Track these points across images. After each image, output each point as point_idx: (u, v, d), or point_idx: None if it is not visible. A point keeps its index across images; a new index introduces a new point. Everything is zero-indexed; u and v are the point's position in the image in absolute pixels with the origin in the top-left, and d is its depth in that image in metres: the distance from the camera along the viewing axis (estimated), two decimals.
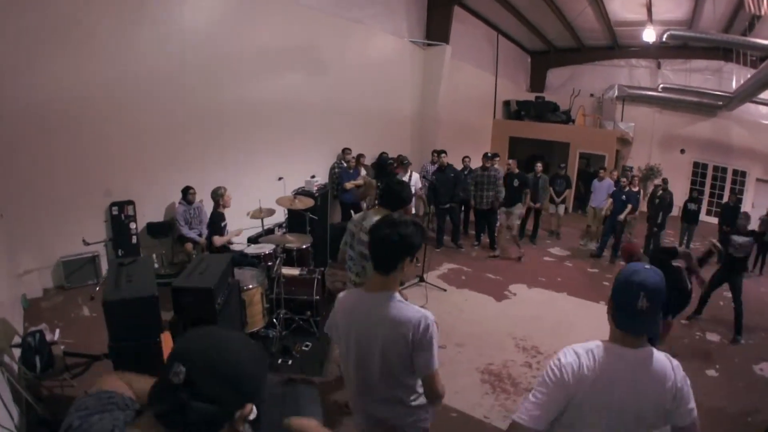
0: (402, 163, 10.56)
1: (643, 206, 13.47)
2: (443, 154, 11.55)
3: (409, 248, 2.70)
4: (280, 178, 8.66)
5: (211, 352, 1.34)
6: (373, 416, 2.89)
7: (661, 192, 12.35)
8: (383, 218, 2.81)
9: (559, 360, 2.28)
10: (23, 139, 7.05)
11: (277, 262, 6.76)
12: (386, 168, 8.87)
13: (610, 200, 11.89)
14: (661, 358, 2.29)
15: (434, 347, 2.60)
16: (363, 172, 11.43)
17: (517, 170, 11.58)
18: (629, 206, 11.44)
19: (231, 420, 1.34)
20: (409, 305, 2.72)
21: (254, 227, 8.26)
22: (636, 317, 2.19)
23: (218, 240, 7.45)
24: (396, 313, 2.65)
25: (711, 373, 6.61)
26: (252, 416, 2.21)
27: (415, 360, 2.61)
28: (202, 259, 5.30)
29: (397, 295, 2.76)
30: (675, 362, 2.31)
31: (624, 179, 12.08)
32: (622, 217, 11.42)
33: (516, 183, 11.25)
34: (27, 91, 6.95)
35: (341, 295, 3.01)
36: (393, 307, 2.68)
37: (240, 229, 8.00)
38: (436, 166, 11.90)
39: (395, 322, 2.63)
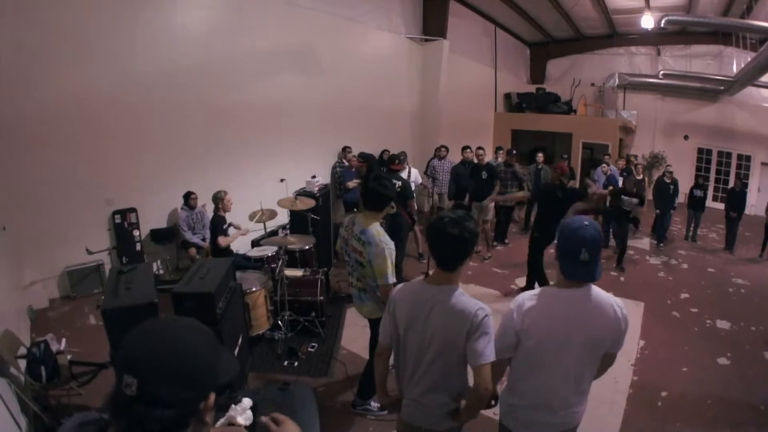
0: (399, 160, 10.41)
1: (649, 194, 13.42)
2: (442, 149, 11.33)
3: (474, 243, 2.80)
4: (281, 180, 8.63)
5: (159, 353, 1.23)
6: (420, 403, 2.95)
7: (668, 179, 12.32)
8: (443, 218, 2.79)
9: (509, 307, 2.84)
10: (24, 150, 7.05)
11: (280, 263, 6.73)
12: (373, 167, 8.74)
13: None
14: (600, 296, 2.76)
15: (489, 339, 2.67)
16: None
17: (486, 161, 10.99)
18: (610, 187, 11.44)
19: (197, 414, 1.26)
20: (470, 298, 2.79)
21: (257, 229, 8.24)
22: (579, 267, 2.65)
23: (223, 240, 7.42)
24: (457, 304, 2.73)
25: (722, 361, 6.54)
26: (247, 422, 2.17)
27: (469, 349, 2.67)
28: (203, 264, 5.28)
29: (460, 288, 2.84)
30: (619, 304, 2.77)
31: (604, 165, 12.16)
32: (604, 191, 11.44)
33: (485, 175, 10.60)
34: (26, 103, 6.96)
35: (400, 286, 3.08)
36: (454, 297, 2.76)
37: (246, 228, 7.95)
38: (441, 160, 11.86)
39: (455, 312, 2.72)
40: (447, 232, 2.69)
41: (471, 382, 2.75)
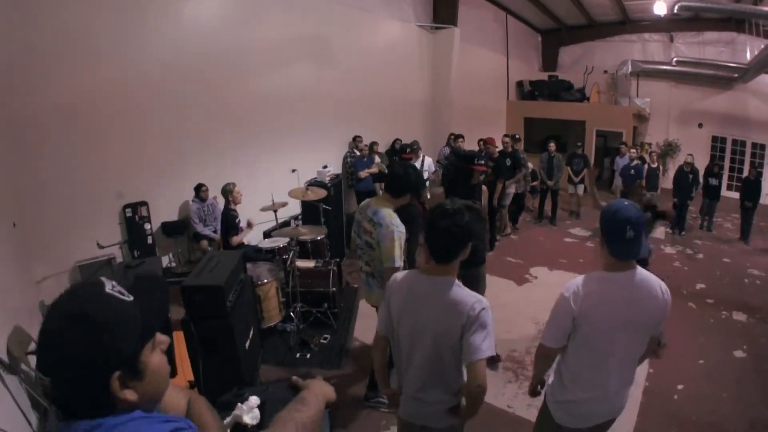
0: (411, 149, 10.39)
1: (665, 183, 13.31)
2: (460, 139, 11.35)
3: (468, 237, 2.65)
4: (293, 170, 8.61)
5: (44, 347, 1.20)
6: (417, 399, 2.88)
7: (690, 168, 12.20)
8: (436, 209, 2.72)
9: (562, 294, 2.86)
10: (33, 146, 7.02)
11: (291, 254, 6.70)
12: (399, 155, 8.84)
13: (620, 177, 11.89)
14: (648, 277, 2.82)
15: (486, 334, 2.57)
16: (377, 159, 11.36)
17: (511, 149, 11.15)
18: (639, 183, 11.39)
19: (109, 394, 1.20)
20: (466, 290, 2.70)
21: (269, 220, 8.21)
22: (626, 245, 2.71)
23: (236, 239, 7.39)
24: (452, 296, 2.64)
25: (739, 354, 6.47)
26: (254, 421, 2.13)
27: (465, 343, 2.57)
28: (213, 257, 5.25)
29: (456, 280, 2.73)
30: (663, 285, 2.82)
31: (633, 150, 12.06)
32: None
33: (508, 162, 10.79)
34: (36, 99, 6.92)
35: (396, 275, 3.00)
36: (449, 290, 2.66)
37: (252, 222, 7.89)
38: (449, 149, 11.81)
39: (450, 305, 2.62)
40: (436, 223, 2.63)
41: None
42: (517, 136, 12.26)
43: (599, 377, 2.88)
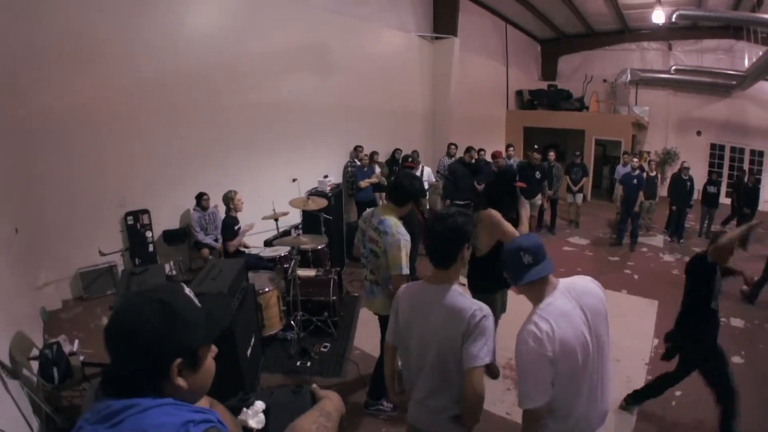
0: (413, 159, 10.43)
1: (662, 191, 13.33)
2: (474, 152, 11.31)
3: (462, 238, 2.73)
4: (294, 180, 8.64)
5: (115, 330, 1.38)
6: (424, 405, 2.91)
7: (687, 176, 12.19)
8: (432, 217, 2.82)
9: (528, 345, 2.51)
10: (36, 152, 7.09)
11: (292, 263, 6.73)
12: (400, 165, 8.95)
13: (621, 186, 11.86)
14: (578, 281, 2.78)
15: (485, 341, 2.60)
16: (377, 169, 11.39)
17: (538, 163, 11.61)
18: (641, 193, 11.38)
19: (165, 377, 1.38)
20: (467, 297, 2.74)
21: (270, 229, 8.24)
22: (527, 271, 2.61)
23: (231, 245, 7.42)
24: (453, 303, 2.69)
25: (737, 360, 6.43)
26: (260, 425, 2.17)
27: (464, 351, 2.60)
28: (215, 265, 5.28)
29: (457, 286, 2.79)
30: (592, 279, 2.82)
31: (635, 159, 12.01)
32: (636, 208, 11.35)
33: (538, 175, 11.37)
34: (39, 105, 6.99)
35: (402, 287, 3.07)
36: (451, 297, 2.72)
37: (251, 223, 7.93)
38: (452, 158, 11.84)
39: (451, 312, 2.67)
40: (432, 228, 2.73)
41: None
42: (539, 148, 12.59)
43: (593, 394, 2.74)
